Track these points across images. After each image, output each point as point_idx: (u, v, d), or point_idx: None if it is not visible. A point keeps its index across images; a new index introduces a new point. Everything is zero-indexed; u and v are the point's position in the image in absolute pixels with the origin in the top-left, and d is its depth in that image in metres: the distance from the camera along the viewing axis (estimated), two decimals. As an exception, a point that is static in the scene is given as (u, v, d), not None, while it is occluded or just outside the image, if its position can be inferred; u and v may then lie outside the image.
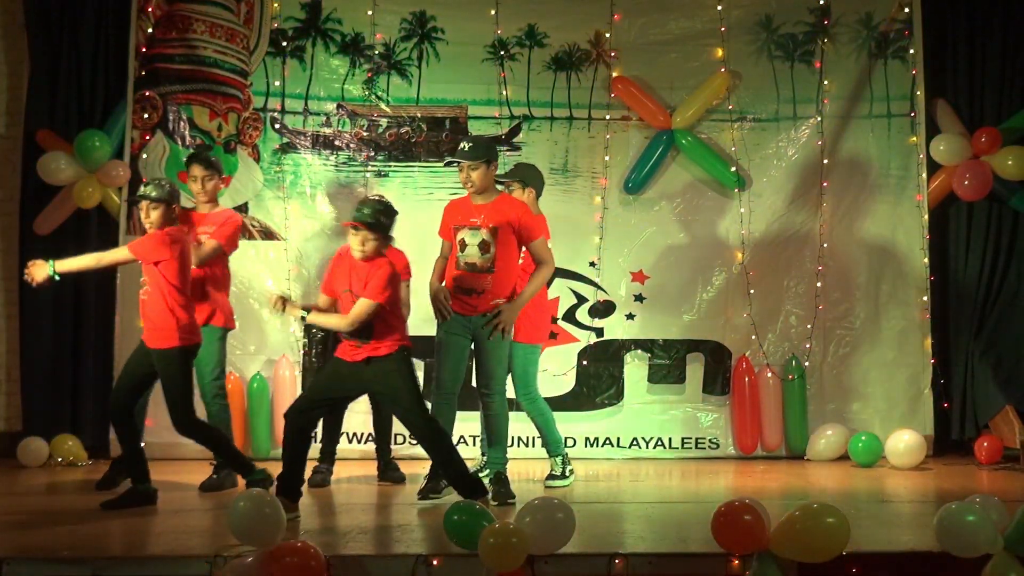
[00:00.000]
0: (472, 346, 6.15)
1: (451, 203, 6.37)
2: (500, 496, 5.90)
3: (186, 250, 5.94)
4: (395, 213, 5.69)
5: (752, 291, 8.13)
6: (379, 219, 5.54)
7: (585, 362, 8.12)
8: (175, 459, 7.40)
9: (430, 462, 6.07)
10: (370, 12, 8.14)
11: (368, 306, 5.46)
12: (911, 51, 8.22)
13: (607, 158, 8.20)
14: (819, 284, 8.17)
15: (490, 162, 6.10)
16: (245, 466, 6.15)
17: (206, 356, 6.38)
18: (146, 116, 8.00)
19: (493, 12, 8.16)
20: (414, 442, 7.90)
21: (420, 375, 7.97)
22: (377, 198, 5.76)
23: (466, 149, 6.05)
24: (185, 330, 5.86)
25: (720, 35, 8.20)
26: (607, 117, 8.23)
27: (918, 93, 8.21)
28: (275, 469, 6.75)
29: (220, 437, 6.18)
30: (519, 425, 7.49)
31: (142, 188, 6.05)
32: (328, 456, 6.86)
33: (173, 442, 7.32)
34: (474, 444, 7.59)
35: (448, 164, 6.26)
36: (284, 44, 8.11)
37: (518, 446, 7.89)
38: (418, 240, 7.98)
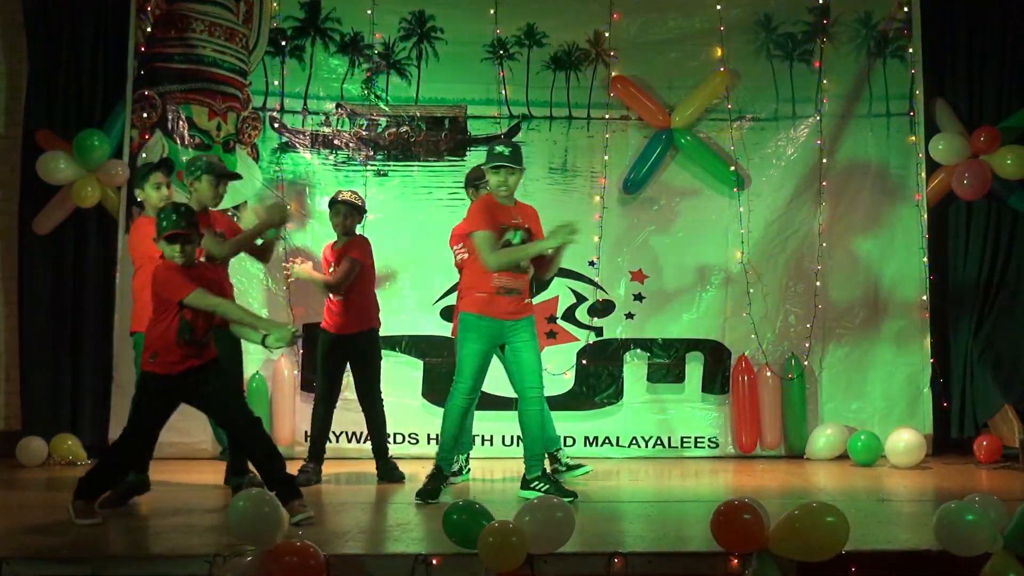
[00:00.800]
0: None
1: (487, 202, 6.11)
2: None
3: None
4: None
5: (751, 290, 8.14)
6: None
7: (584, 361, 8.13)
8: (175, 458, 7.41)
9: (430, 462, 6.08)
10: (369, 12, 8.14)
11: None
12: (910, 50, 8.23)
13: (606, 157, 8.21)
14: (818, 283, 8.17)
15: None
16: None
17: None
18: (145, 115, 8.00)
19: (492, 11, 8.17)
20: (414, 442, 7.94)
21: (419, 375, 8.02)
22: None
23: (509, 154, 5.96)
24: None
25: (719, 34, 8.21)
26: (606, 116, 8.24)
27: (917, 92, 8.22)
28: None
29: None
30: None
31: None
32: (316, 455, 6.83)
33: (172, 441, 7.35)
34: (516, 444, 7.69)
35: (496, 168, 6.08)
36: (283, 43, 8.11)
37: (517, 445, 7.90)
38: (417, 239, 8.02)
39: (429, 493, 5.90)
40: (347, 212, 6.82)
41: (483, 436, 7.80)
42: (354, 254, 6.74)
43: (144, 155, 7.96)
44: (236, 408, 5.50)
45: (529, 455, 6.08)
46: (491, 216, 5.98)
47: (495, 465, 7.47)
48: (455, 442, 6.13)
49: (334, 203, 6.87)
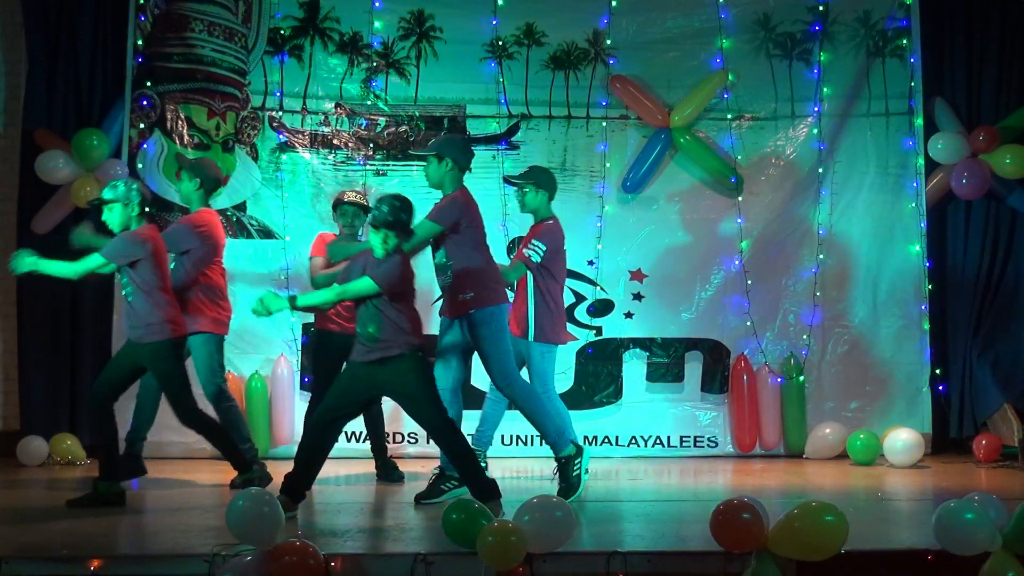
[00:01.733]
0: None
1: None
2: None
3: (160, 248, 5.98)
4: (412, 207, 5.57)
5: (750, 290, 8.14)
6: (398, 216, 5.49)
7: (584, 361, 8.13)
8: (175, 458, 7.41)
9: (430, 462, 6.06)
10: (369, 11, 8.14)
11: (365, 285, 5.38)
12: (909, 49, 8.23)
13: (605, 157, 8.20)
14: (817, 282, 8.17)
15: None
16: (242, 463, 6.17)
17: (199, 361, 6.44)
18: (144, 115, 7.99)
19: (492, 11, 8.17)
20: (413, 441, 7.94)
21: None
22: (393, 195, 5.68)
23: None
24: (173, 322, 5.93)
25: (718, 34, 8.21)
26: (605, 116, 8.24)
27: (916, 92, 8.22)
28: (272, 469, 6.77)
29: (220, 430, 6.19)
30: (520, 424, 7.51)
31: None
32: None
33: (171, 441, 7.36)
34: (515, 444, 7.86)
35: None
36: (282, 43, 8.11)
37: (517, 444, 7.92)
38: (416, 238, 8.00)
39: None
40: (355, 212, 6.81)
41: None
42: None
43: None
44: None
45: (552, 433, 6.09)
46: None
47: (494, 464, 7.45)
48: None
49: (340, 204, 6.85)
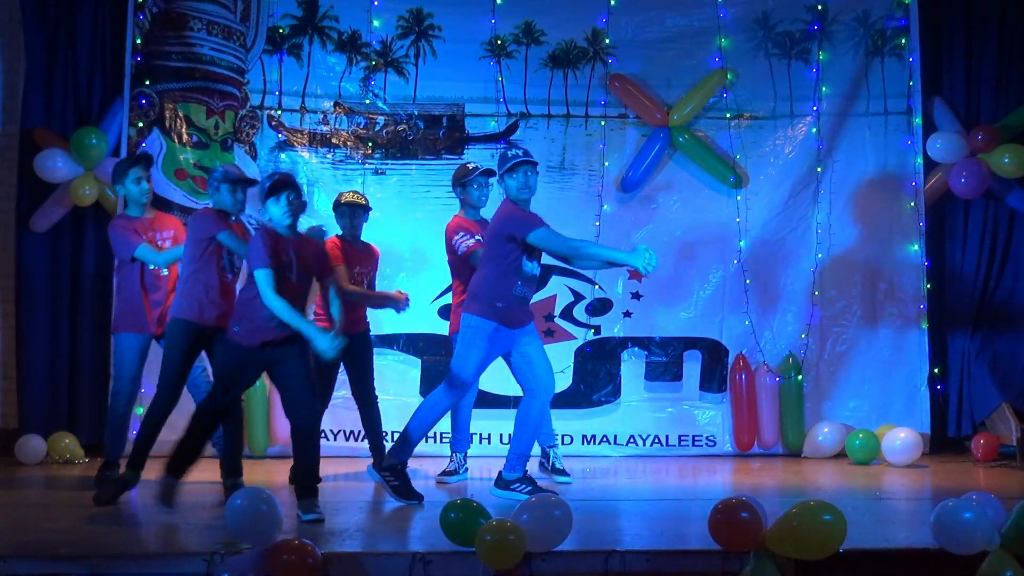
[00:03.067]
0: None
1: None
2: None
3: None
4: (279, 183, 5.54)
5: (749, 289, 8.14)
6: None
7: (582, 360, 8.13)
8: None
9: (427, 461, 6.08)
10: (368, 10, 8.14)
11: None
12: (908, 49, 8.23)
13: (604, 156, 8.21)
14: (816, 282, 8.18)
15: None
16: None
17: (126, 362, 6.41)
18: (143, 114, 7.99)
19: (490, 9, 8.17)
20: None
21: (417, 373, 8.02)
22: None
23: (524, 152, 6.06)
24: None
25: (717, 32, 8.21)
26: (604, 115, 8.24)
27: (915, 91, 8.22)
28: (270, 468, 6.77)
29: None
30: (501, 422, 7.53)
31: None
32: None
33: (170, 440, 7.34)
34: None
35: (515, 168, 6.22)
36: (281, 41, 8.11)
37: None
38: (415, 237, 8.02)
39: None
40: (353, 213, 6.82)
41: (480, 434, 7.83)
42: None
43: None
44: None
45: (519, 452, 6.09)
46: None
47: (493, 464, 7.45)
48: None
49: (339, 206, 6.86)
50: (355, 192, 7.06)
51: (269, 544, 4.34)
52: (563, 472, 6.78)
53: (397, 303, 6.69)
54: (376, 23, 8.17)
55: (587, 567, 4.46)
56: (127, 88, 8.00)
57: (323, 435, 6.94)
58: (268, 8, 8.12)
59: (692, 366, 8.17)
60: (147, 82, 7.99)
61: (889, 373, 8.15)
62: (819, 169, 8.22)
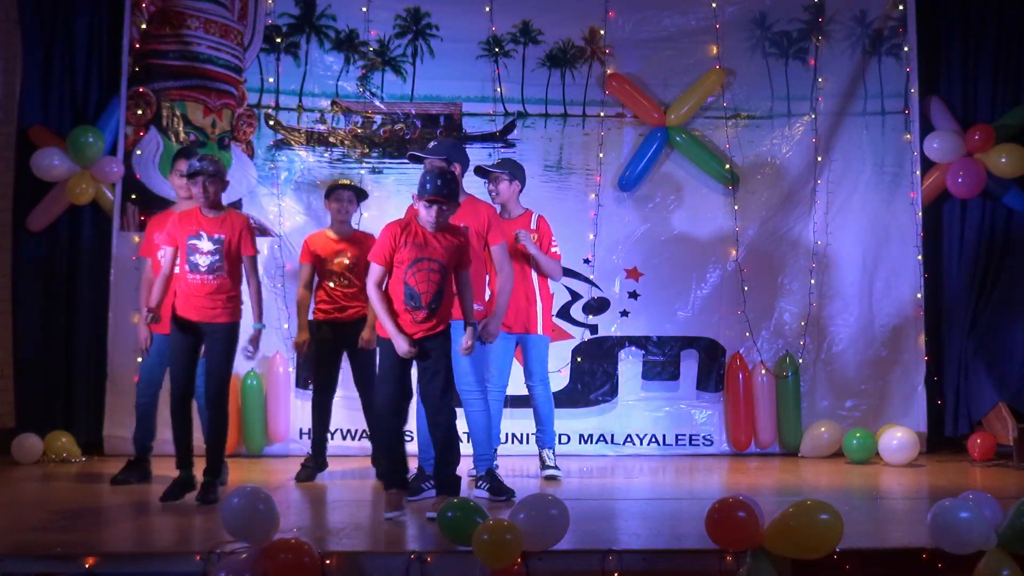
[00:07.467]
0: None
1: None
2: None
3: None
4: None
5: (746, 288, 8.14)
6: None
7: (579, 359, 8.13)
8: (171, 456, 7.38)
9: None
10: (364, 8, 8.14)
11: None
12: (905, 48, 8.23)
13: (601, 155, 8.21)
14: (813, 281, 8.18)
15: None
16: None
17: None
18: (140, 112, 7.99)
19: (488, 8, 8.16)
20: (409, 439, 7.90)
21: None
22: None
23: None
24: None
25: (714, 32, 8.21)
26: (601, 114, 8.24)
27: (912, 90, 8.23)
28: (269, 467, 6.78)
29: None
30: (512, 422, 7.53)
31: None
32: (317, 448, 6.84)
33: (166, 439, 7.33)
34: (511, 442, 7.89)
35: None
36: (278, 40, 8.10)
37: (512, 443, 7.91)
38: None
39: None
40: (350, 197, 6.86)
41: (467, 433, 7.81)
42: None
43: (138, 152, 7.94)
44: None
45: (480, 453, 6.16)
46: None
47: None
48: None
49: (335, 189, 6.87)
50: (349, 179, 7.22)
51: (266, 543, 4.33)
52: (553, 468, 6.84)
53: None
54: (373, 22, 8.13)
55: (584, 566, 4.46)
56: (124, 87, 7.99)
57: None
58: (265, 7, 8.11)
59: (689, 365, 8.17)
60: (144, 80, 7.97)
61: (886, 372, 8.15)
62: (816, 168, 8.22)
